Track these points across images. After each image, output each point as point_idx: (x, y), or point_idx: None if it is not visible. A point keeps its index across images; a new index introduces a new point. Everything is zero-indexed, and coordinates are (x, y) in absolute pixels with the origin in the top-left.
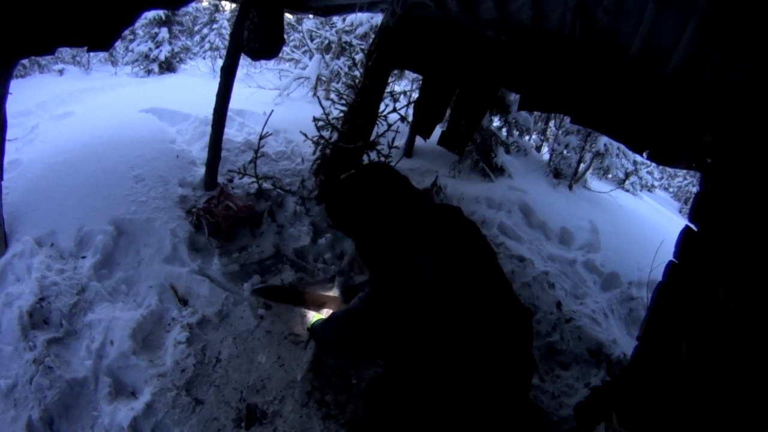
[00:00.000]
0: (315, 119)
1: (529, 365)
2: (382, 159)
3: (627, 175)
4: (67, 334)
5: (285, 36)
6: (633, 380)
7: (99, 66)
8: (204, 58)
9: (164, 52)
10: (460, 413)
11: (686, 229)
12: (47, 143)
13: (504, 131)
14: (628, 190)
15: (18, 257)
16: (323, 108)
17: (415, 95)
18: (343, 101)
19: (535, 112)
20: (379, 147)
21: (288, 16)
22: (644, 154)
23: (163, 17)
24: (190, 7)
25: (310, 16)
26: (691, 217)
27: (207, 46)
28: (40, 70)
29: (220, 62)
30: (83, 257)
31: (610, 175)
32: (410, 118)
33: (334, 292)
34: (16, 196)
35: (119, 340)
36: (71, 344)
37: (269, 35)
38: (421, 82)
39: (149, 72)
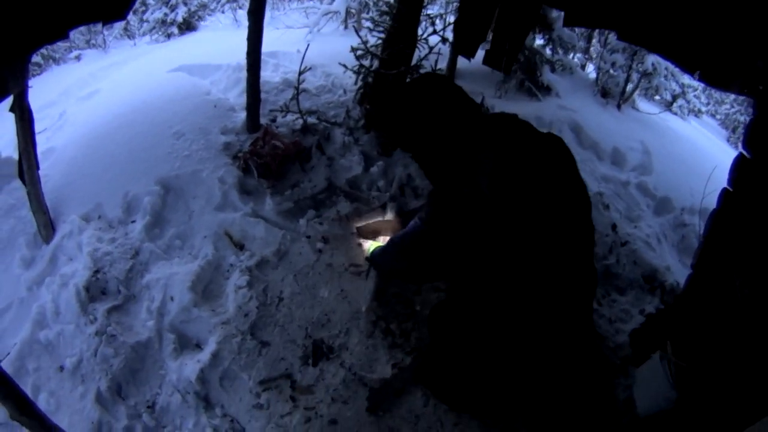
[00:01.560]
0: (353, 48)
1: (592, 285)
2: None
3: (674, 97)
4: (126, 300)
5: None
6: (686, 310)
7: (116, 43)
8: (223, 12)
9: (180, 14)
10: (525, 335)
11: (740, 156)
12: (77, 125)
13: (548, 49)
14: (675, 113)
15: (67, 237)
16: (360, 37)
17: (451, 18)
18: (381, 28)
19: (578, 30)
20: (422, 71)
21: None
22: (695, 75)
23: None
24: None
25: None
26: (745, 143)
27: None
28: (56, 62)
29: (240, 12)
30: (133, 222)
31: (657, 97)
32: (451, 40)
33: (388, 218)
34: (57, 180)
35: (179, 294)
36: (131, 309)
37: None
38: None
39: (169, 36)
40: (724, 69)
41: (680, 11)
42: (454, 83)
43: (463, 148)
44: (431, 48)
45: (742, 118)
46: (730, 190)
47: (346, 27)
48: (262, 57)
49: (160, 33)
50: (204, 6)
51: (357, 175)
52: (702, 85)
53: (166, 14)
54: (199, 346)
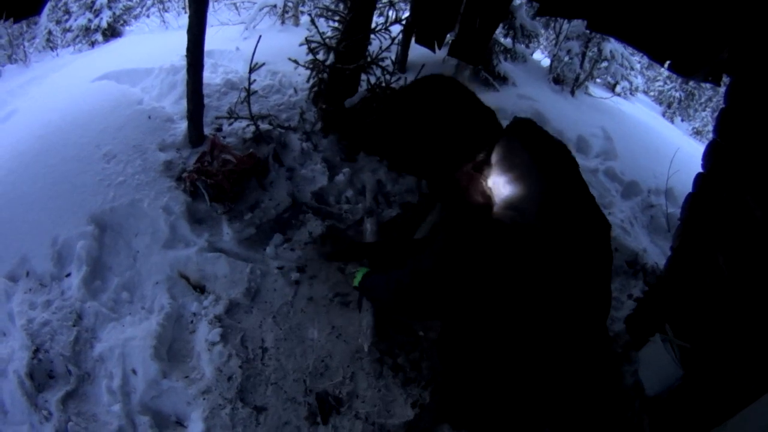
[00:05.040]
0: (307, 41)
1: (607, 306)
2: (387, 77)
3: (617, 81)
4: (79, 382)
5: None
6: (671, 291)
7: (38, 56)
8: (148, 16)
9: (105, 19)
10: (542, 358)
11: (713, 142)
12: None
13: (508, 38)
14: (620, 95)
15: None
16: (317, 27)
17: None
18: (337, 17)
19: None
20: (383, 64)
21: None
22: (665, 65)
23: None
24: None
25: None
26: (717, 131)
27: (150, 1)
28: None
29: (167, 15)
30: (68, 275)
31: (599, 80)
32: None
33: (369, 236)
34: None
35: (141, 365)
36: (89, 393)
37: None
38: None
39: (93, 44)
40: (692, 59)
41: (651, 3)
42: (466, 88)
43: (488, 165)
44: (393, 39)
45: (676, 94)
46: (705, 173)
47: (283, 22)
48: None
49: (84, 42)
50: (129, 9)
51: (323, 187)
52: (639, 61)
53: (90, 20)
54: (180, 423)
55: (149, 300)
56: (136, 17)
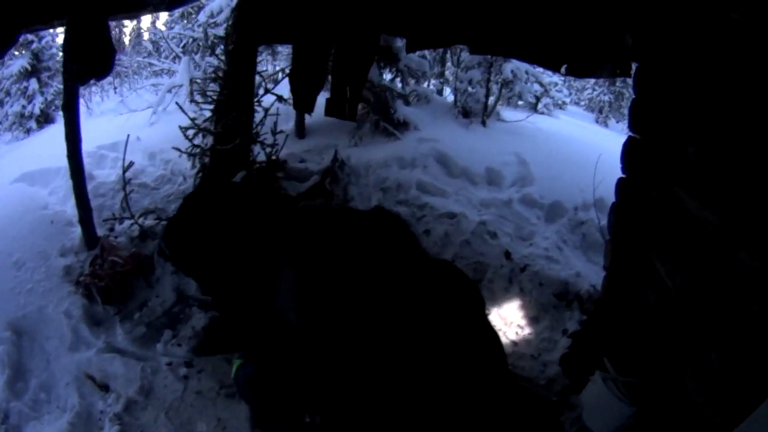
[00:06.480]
0: (182, 128)
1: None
2: (268, 150)
3: (538, 98)
4: None
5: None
6: (609, 317)
7: None
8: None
9: (37, 105)
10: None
11: (629, 140)
12: None
13: (398, 82)
14: (543, 113)
15: None
16: (186, 114)
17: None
18: (209, 99)
19: (429, 55)
20: (261, 138)
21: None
22: (561, 70)
23: (29, 68)
24: (54, 48)
25: (151, 15)
26: (631, 126)
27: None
28: None
29: (97, 99)
30: None
31: (521, 102)
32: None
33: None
34: None
35: None
36: None
37: (92, 50)
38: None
39: (29, 131)
40: (590, 57)
41: (528, 11)
42: (246, 184)
43: (261, 269)
44: (266, 110)
45: (606, 98)
46: (626, 177)
47: (192, 101)
48: (102, 152)
49: (20, 129)
50: (59, 93)
51: None
52: (563, 78)
53: (23, 106)
54: None
55: (63, 399)
56: None
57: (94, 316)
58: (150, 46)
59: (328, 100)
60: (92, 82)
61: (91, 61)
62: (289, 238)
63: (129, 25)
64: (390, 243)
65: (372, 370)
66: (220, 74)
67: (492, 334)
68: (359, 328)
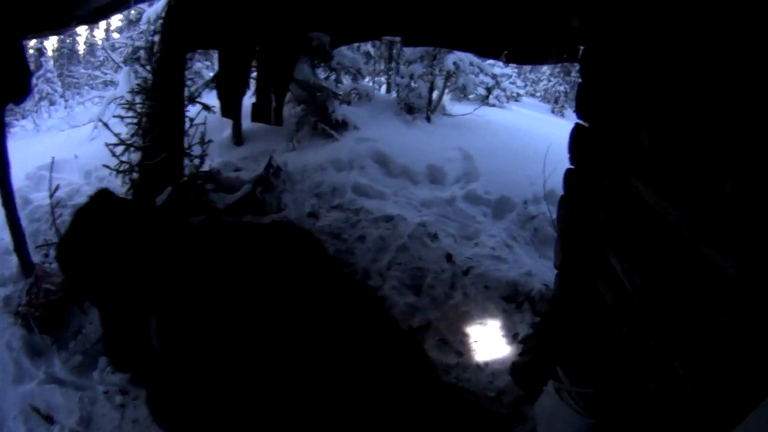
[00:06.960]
0: (108, 145)
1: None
2: (196, 161)
3: (489, 90)
4: None
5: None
6: (564, 318)
7: None
8: (25, 117)
9: None
10: None
11: (577, 127)
12: None
13: (332, 80)
14: (494, 105)
15: None
16: (110, 129)
17: None
18: (132, 112)
19: (373, 52)
20: (191, 150)
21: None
22: (502, 57)
23: None
24: None
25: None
26: (578, 112)
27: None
28: None
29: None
30: None
31: (472, 96)
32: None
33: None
34: None
35: None
36: None
37: (6, 73)
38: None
39: None
40: (533, 42)
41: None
42: (135, 202)
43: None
44: (191, 120)
45: (561, 88)
46: (574, 168)
47: (115, 115)
48: (39, 173)
49: None
50: (10, 109)
51: None
52: (516, 70)
53: None
54: None
55: None
56: (17, 118)
57: (34, 346)
58: (102, 56)
59: (254, 105)
60: (9, 107)
61: (6, 84)
62: (153, 276)
63: (83, 34)
64: (278, 262)
65: (245, 407)
66: (147, 85)
67: (411, 351)
68: (226, 370)
